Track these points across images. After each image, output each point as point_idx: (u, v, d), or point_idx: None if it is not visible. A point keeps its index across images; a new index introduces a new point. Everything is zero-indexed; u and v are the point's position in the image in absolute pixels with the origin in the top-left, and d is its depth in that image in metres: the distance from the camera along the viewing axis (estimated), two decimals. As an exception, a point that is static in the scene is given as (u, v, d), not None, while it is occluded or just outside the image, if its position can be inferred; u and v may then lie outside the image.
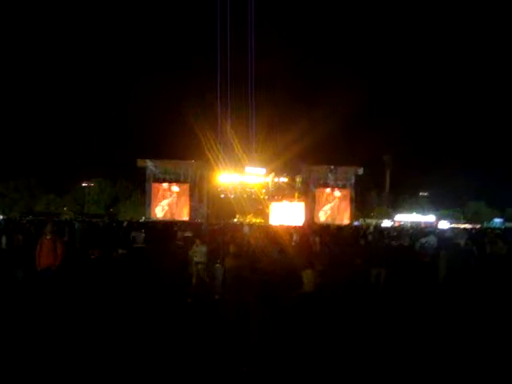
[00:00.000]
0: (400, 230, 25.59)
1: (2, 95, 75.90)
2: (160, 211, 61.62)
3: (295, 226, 38.01)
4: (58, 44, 77.32)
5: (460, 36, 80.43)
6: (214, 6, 62.08)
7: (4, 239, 19.62)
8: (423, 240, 18.09)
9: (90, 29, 77.58)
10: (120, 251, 15.57)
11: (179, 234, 20.47)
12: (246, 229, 24.22)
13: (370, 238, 19.98)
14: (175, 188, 62.00)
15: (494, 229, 40.44)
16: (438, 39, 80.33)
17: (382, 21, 77.36)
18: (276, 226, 35.26)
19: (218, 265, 13.15)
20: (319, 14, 74.59)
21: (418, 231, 26.94)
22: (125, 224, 29.49)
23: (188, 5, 70.56)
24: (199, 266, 14.54)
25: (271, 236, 18.68)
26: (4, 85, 75.81)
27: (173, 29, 72.08)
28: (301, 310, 9.68)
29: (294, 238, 21.03)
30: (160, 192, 62.11)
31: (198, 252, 14.99)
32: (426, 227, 47.75)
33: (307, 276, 10.65)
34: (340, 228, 31.78)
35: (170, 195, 61.88)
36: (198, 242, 15.33)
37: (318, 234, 21.04)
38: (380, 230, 26.78)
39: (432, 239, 17.79)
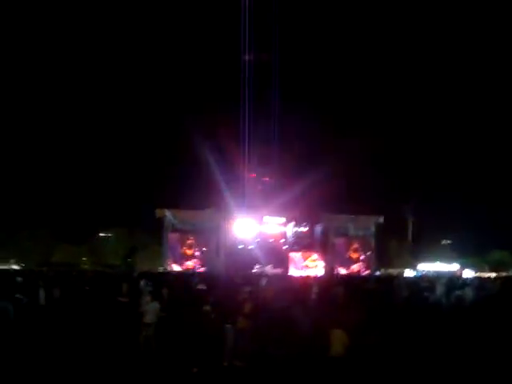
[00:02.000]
0: (432, 281, 23.92)
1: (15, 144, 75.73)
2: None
3: (316, 277, 36.56)
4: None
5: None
6: (237, 54, 62.28)
7: (42, 293, 17.77)
8: (459, 292, 16.61)
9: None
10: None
11: (124, 288, 18.13)
12: (263, 281, 22.58)
13: (403, 292, 18.61)
14: (192, 238, 60.76)
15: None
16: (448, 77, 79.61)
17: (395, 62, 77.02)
18: (296, 277, 33.83)
19: (228, 325, 11.23)
20: (340, 67, 74.24)
21: (450, 282, 25.21)
22: (135, 274, 28.25)
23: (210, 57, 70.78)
24: (148, 331, 12.27)
25: (291, 289, 17.20)
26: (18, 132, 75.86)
27: (195, 77, 71.89)
28: (331, 381, 8.19)
29: (314, 289, 19.54)
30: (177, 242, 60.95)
31: (149, 311, 12.65)
32: (459, 277, 45.60)
33: (336, 337, 9.13)
34: (365, 279, 30.16)
35: (188, 246, 60.59)
36: (148, 297, 13.09)
37: (342, 286, 19.57)
38: (413, 282, 25.09)
39: (468, 292, 16.35)
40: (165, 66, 73.64)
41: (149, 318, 12.52)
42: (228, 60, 66.67)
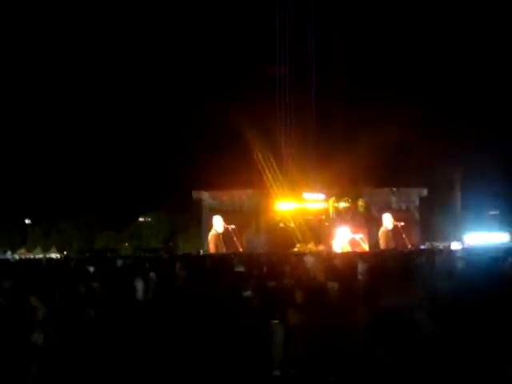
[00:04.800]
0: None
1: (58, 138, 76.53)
2: (217, 243, 59.24)
3: (363, 253, 34.90)
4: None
5: None
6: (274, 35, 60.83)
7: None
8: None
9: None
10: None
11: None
12: (309, 259, 20.35)
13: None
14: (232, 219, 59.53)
15: None
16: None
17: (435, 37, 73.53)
18: (343, 254, 32.11)
19: (275, 321, 8.50)
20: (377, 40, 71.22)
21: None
22: (165, 256, 26.89)
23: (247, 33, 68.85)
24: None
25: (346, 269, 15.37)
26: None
27: (229, 54, 70.49)
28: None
29: (364, 266, 17.73)
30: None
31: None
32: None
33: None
34: (418, 253, 28.13)
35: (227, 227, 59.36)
36: (33, 299, 8.93)
37: (393, 260, 17.81)
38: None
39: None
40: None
41: (37, 337, 8.68)
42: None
